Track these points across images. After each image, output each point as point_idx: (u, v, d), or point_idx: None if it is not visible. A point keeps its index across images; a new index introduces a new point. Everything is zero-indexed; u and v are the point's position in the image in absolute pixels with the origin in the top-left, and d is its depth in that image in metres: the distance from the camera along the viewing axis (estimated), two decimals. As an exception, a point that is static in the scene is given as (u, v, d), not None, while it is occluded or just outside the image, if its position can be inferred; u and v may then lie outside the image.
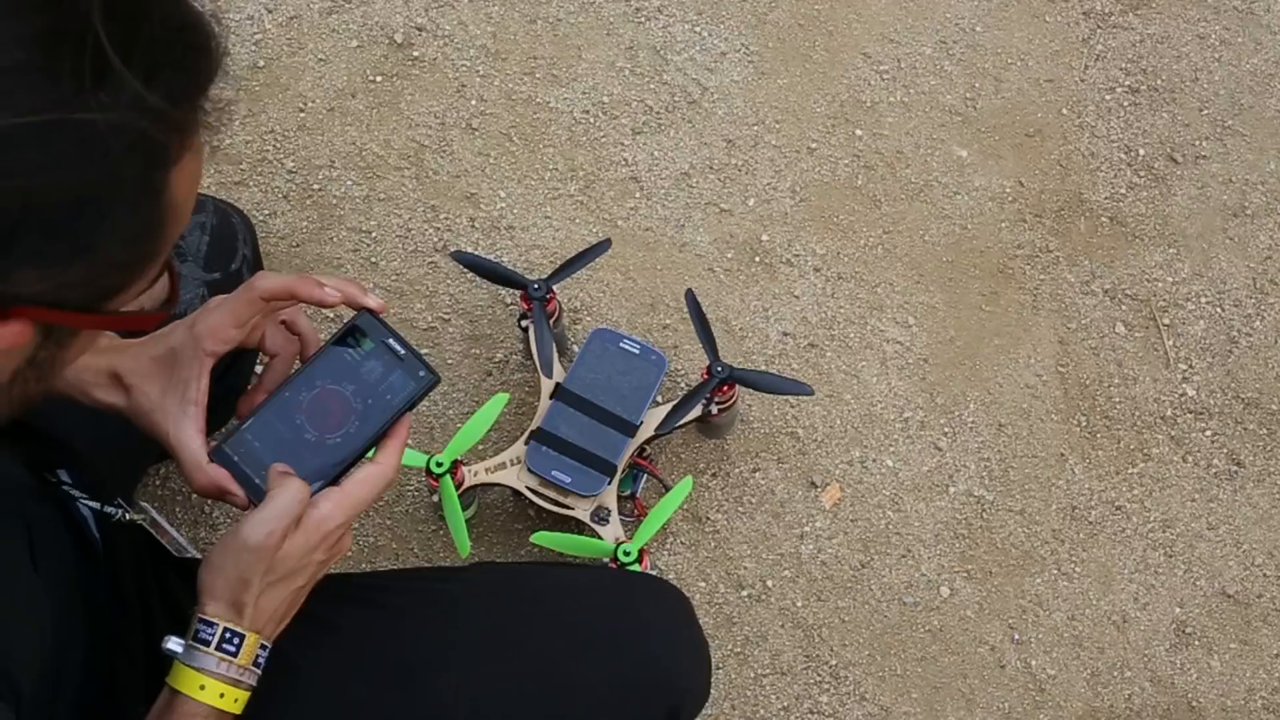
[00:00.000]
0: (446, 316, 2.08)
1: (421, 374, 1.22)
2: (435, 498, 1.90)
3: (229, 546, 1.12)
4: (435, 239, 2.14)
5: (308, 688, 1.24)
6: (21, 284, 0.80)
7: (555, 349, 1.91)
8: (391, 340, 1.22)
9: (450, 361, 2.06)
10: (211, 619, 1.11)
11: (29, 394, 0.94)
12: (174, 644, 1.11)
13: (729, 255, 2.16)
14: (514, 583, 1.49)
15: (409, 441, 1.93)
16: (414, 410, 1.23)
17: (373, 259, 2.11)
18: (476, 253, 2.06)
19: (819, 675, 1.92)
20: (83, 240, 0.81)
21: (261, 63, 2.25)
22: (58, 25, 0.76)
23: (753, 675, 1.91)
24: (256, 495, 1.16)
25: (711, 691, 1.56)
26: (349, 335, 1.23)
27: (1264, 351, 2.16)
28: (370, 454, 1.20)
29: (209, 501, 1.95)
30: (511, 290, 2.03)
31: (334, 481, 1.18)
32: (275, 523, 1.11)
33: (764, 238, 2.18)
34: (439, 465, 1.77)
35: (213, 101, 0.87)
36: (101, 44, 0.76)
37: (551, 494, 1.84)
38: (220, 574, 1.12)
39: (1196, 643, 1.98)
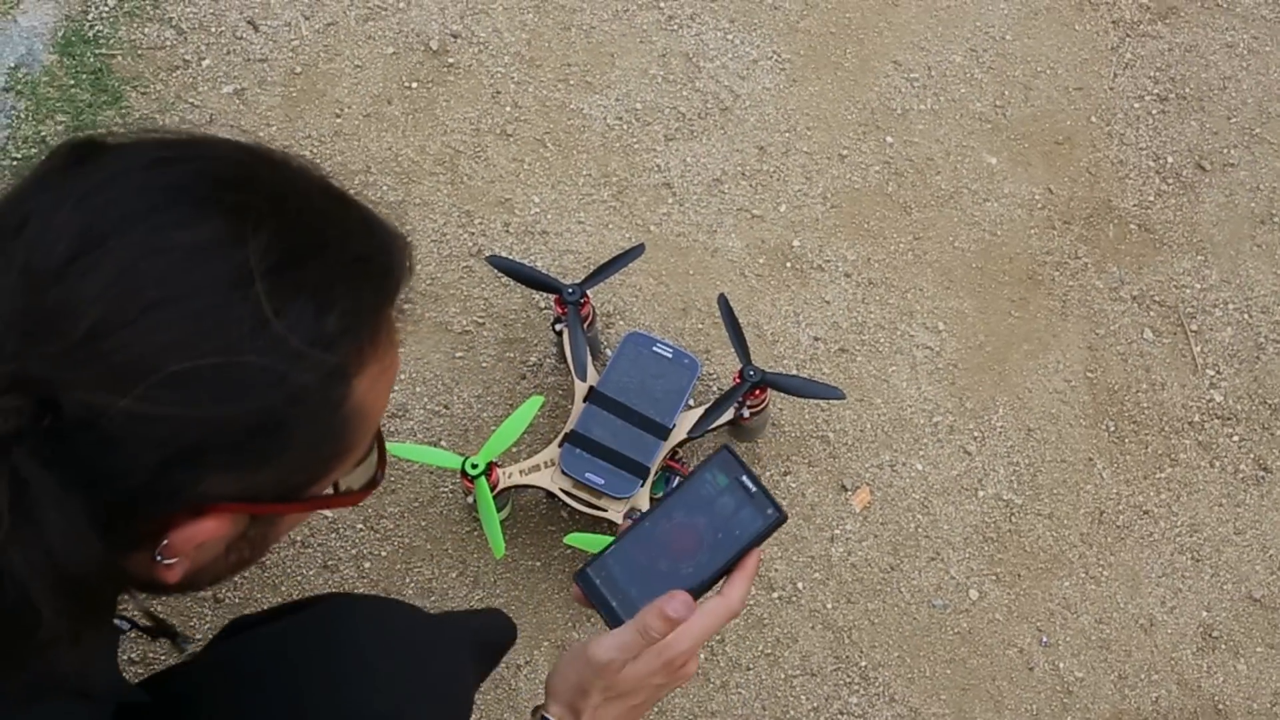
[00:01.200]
0: (481, 320, 2.11)
1: (770, 512, 1.26)
2: (470, 499, 1.92)
3: (577, 657, 1.19)
4: (470, 244, 2.16)
5: None
6: (213, 487, 0.88)
7: (589, 352, 1.94)
8: (745, 477, 1.27)
9: (485, 365, 2.08)
10: (552, 719, 1.19)
11: (244, 563, 1.02)
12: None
13: (760, 261, 2.18)
14: (212, 687, 1.33)
15: (444, 444, 1.98)
16: (761, 546, 1.28)
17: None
18: (511, 257, 2.09)
19: (849, 676, 1.93)
20: (266, 453, 0.89)
21: (299, 69, 2.28)
22: (232, 273, 0.85)
23: (783, 676, 1.93)
24: (610, 615, 1.23)
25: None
26: (708, 470, 1.28)
27: (1291, 358, 2.18)
28: (717, 586, 1.25)
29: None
30: (546, 294, 2.06)
31: None
32: (619, 652, 1.16)
33: (795, 243, 2.20)
34: (474, 467, 1.78)
35: (399, 309, 0.98)
36: (261, 299, 0.85)
37: (585, 496, 1.86)
38: (565, 680, 1.20)
39: (1223, 646, 1.99)
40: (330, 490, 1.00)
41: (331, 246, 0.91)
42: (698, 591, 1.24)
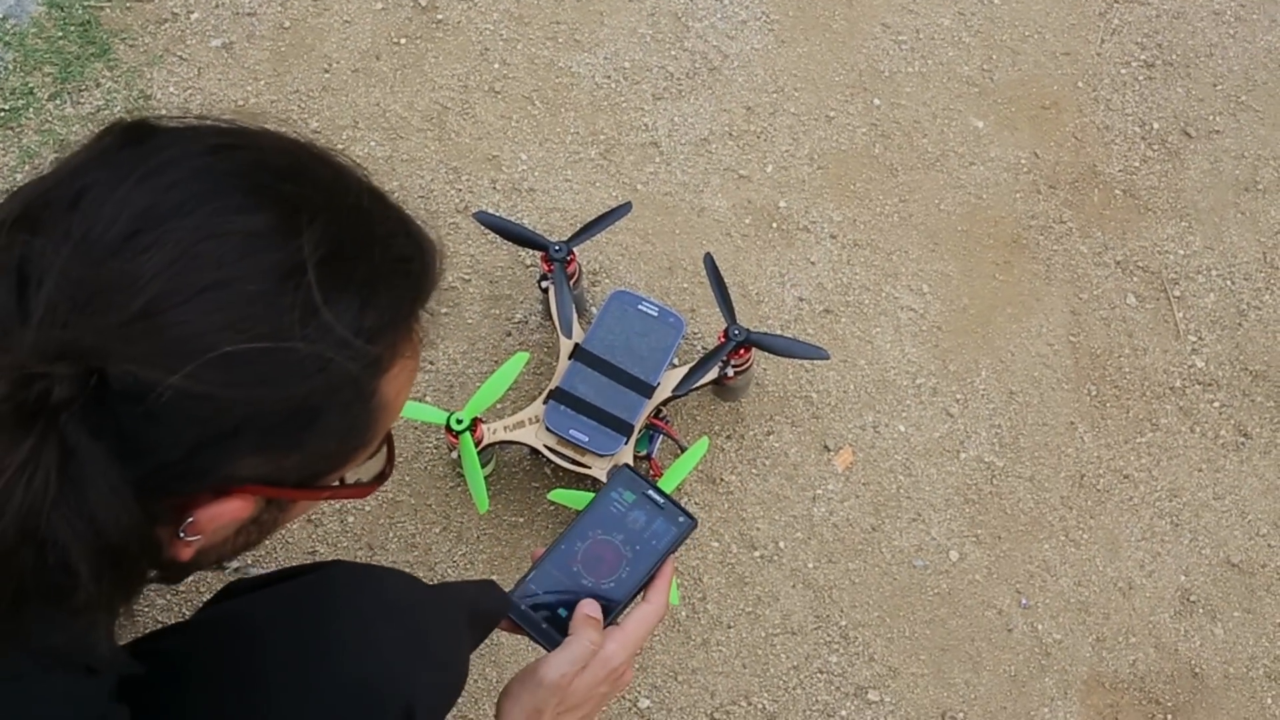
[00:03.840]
0: (467, 277, 2.11)
1: (681, 519, 1.38)
2: (454, 455, 1.93)
3: (526, 681, 1.30)
4: (457, 200, 2.16)
5: None
6: (242, 468, 0.91)
7: (574, 310, 1.94)
8: (650, 491, 1.39)
9: (470, 321, 2.08)
10: None
11: (248, 546, 1.06)
12: None
13: (746, 221, 2.19)
14: (205, 649, 1.32)
15: (429, 400, 1.98)
16: (676, 552, 1.39)
17: (395, 219, 2.13)
18: (498, 214, 2.09)
19: (829, 635, 1.95)
20: (297, 438, 0.92)
21: (287, 23, 2.27)
22: (286, 261, 0.88)
23: (764, 635, 1.94)
24: (542, 635, 1.34)
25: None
26: (613, 490, 1.39)
27: (1273, 325, 2.18)
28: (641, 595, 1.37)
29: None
30: (532, 251, 2.06)
31: (612, 622, 1.34)
32: (568, 666, 1.28)
33: (781, 204, 2.20)
34: (459, 422, 1.79)
35: (427, 310, 1.01)
36: (311, 289, 0.88)
37: (569, 453, 1.87)
38: (517, 704, 1.29)
39: (1201, 610, 2.00)
40: (340, 481, 1.04)
41: (378, 244, 0.94)
42: (625, 603, 1.35)
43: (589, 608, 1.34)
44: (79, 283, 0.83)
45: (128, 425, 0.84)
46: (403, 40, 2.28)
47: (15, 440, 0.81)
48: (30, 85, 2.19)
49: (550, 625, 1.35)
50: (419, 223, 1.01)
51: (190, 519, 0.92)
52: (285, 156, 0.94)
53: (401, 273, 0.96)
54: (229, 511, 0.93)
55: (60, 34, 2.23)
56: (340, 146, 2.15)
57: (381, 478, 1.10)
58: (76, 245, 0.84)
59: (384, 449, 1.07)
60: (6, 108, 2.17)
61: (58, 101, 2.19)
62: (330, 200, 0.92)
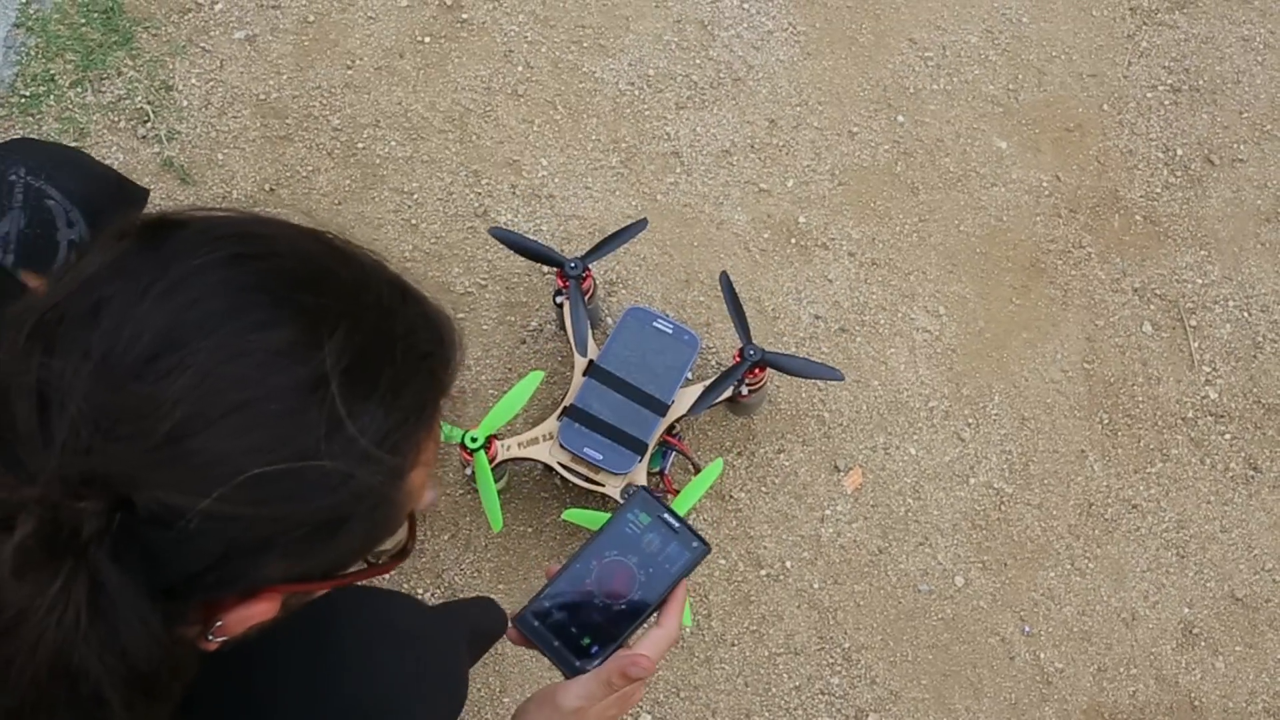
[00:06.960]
0: (484, 282, 2.11)
1: (695, 545, 1.36)
2: (469, 471, 1.93)
3: (543, 704, 1.29)
4: (476, 204, 2.16)
5: None
6: (272, 571, 0.91)
7: (589, 325, 1.94)
8: (666, 515, 1.36)
9: (485, 328, 2.08)
10: None
11: (272, 625, 1.05)
12: None
13: (765, 235, 2.18)
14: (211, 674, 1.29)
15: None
16: (688, 576, 1.38)
17: (413, 221, 2.13)
18: (514, 226, 2.09)
19: (831, 657, 1.95)
20: (325, 543, 0.92)
21: (312, 18, 2.27)
22: (310, 376, 0.87)
23: (767, 654, 1.94)
24: (555, 655, 1.32)
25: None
26: (629, 511, 1.38)
27: (1288, 358, 2.18)
28: (654, 617, 1.37)
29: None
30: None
31: (623, 644, 1.34)
32: (585, 700, 1.27)
33: (801, 219, 2.19)
34: (474, 440, 1.79)
35: (449, 398, 1.02)
36: (335, 402, 0.87)
37: (583, 470, 1.87)
38: None
39: (1203, 643, 2.01)
40: (365, 562, 1.04)
41: (399, 345, 0.94)
42: (636, 626, 1.34)
43: (633, 667, 1.31)
44: (101, 407, 0.83)
45: (155, 547, 0.84)
46: (427, 39, 2.27)
47: (46, 578, 0.80)
48: (51, 72, 2.19)
49: (562, 644, 1.34)
50: (438, 306, 1.01)
51: (219, 622, 0.93)
52: (304, 262, 0.93)
53: (424, 371, 0.96)
54: (258, 613, 0.93)
55: (83, 20, 2.22)
56: (361, 145, 2.17)
57: (403, 554, 1.10)
58: (97, 367, 0.83)
59: (404, 525, 1.06)
60: (28, 94, 2.16)
61: (79, 89, 2.18)
62: (351, 305, 0.92)
